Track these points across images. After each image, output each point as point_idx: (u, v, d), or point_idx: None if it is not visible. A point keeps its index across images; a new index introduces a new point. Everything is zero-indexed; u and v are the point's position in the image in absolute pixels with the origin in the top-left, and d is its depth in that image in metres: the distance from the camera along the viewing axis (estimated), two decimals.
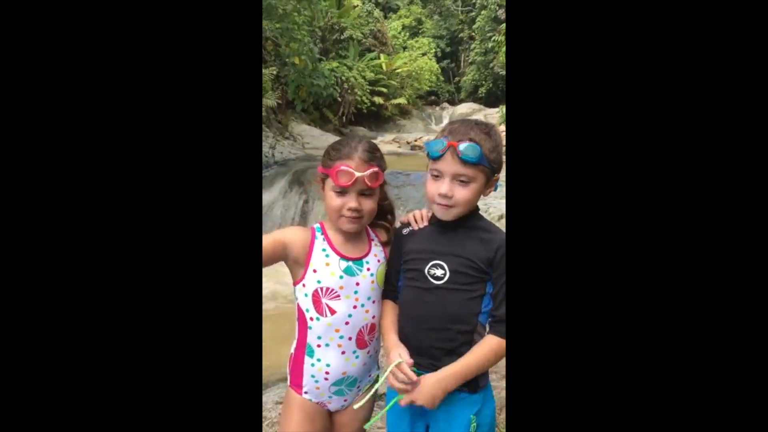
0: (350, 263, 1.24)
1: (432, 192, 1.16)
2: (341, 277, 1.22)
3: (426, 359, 1.17)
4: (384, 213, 1.37)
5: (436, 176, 1.16)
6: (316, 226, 1.29)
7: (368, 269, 1.26)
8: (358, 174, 1.16)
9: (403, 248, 1.27)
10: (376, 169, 1.19)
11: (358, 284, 1.24)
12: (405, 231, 1.29)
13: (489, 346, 1.15)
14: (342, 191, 1.18)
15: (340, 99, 13.93)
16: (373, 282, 1.26)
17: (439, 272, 1.18)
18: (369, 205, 1.21)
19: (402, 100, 16.72)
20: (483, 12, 18.97)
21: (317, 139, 12.09)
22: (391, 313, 1.27)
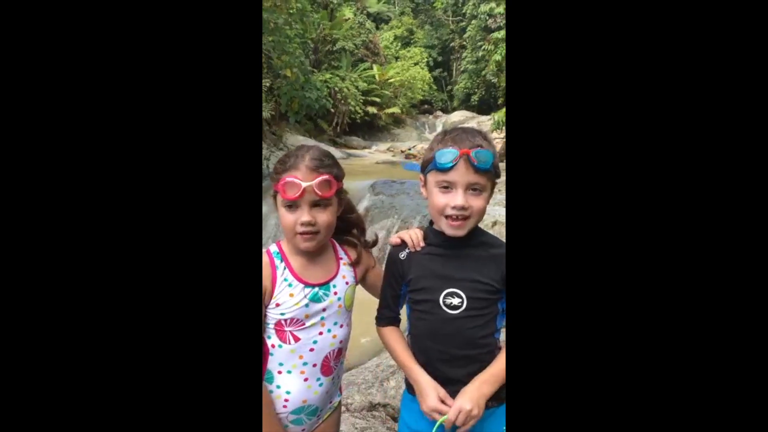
0: (316, 289, 1.14)
1: (442, 205, 1.07)
2: (306, 305, 1.13)
3: (451, 387, 1.10)
4: (350, 227, 1.26)
5: (446, 188, 1.07)
6: (273, 250, 1.17)
7: (335, 293, 1.17)
8: (305, 184, 1.06)
9: (404, 274, 1.17)
10: (326, 176, 1.09)
11: (324, 310, 1.15)
12: (402, 255, 1.18)
13: None
14: (292, 205, 1.09)
15: (333, 110, 14.00)
16: (340, 306, 1.17)
17: (455, 301, 1.10)
18: (324, 217, 1.10)
19: (396, 110, 16.83)
20: (473, 21, 19.17)
21: None
22: (399, 342, 1.18)
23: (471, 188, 1.06)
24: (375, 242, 1.31)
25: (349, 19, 15.64)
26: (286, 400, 1.15)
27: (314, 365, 1.16)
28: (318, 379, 1.17)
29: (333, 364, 1.19)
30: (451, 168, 1.05)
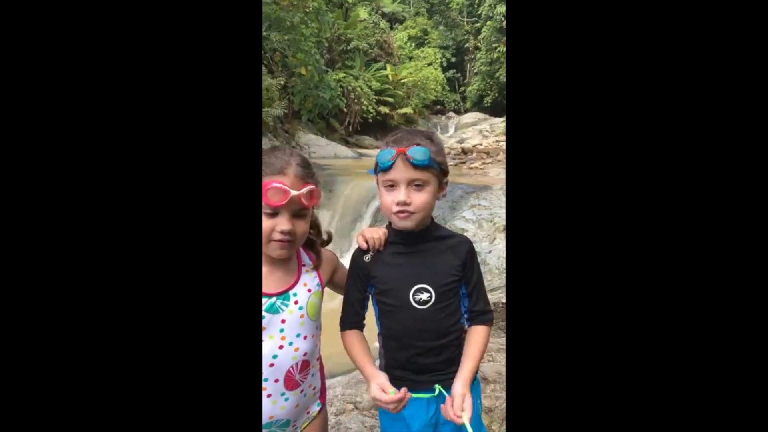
0: (273, 299, 1.07)
1: (389, 203, 1.13)
2: (263, 317, 1.05)
3: (429, 375, 1.16)
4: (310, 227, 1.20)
5: (391, 186, 1.13)
6: None
7: (296, 302, 1.10)
8: (294, 192, 1.01)
9: (370, 276, 1.21)
10: (313, 186, 1.06)
11: (283, 321, 1.07)
12: (366, 257, 1.22)
13: (480, 336, 1.19)
14: (273, 212, 1.02)
15: (345, 109, 14.02)
16: (302, 316, 1.10)
17: (424, 296, 1.15)
18: (303, 227, 1.07)
19: (408, 110, 16.80)
20: (488, 23, 19.03)
21: (323, 148, 12.14)
22: (358, 343, 1.21)
23: (413, 184, 1.12)
24: (329, 239, 1.27)
25: (363, 19, 15.65)
26: None
27: (276, 381, 1.07)
28: (283, 395, 1.09)
29: (299, 378, 1.11)
30: (391, 167, 1.11)
